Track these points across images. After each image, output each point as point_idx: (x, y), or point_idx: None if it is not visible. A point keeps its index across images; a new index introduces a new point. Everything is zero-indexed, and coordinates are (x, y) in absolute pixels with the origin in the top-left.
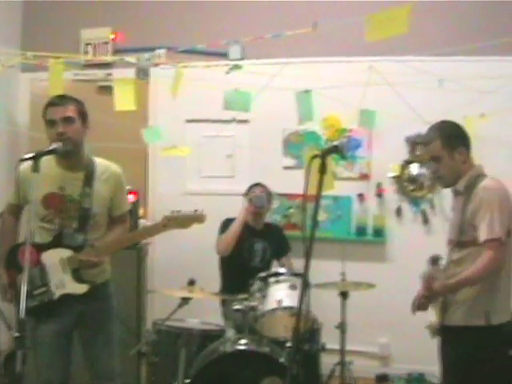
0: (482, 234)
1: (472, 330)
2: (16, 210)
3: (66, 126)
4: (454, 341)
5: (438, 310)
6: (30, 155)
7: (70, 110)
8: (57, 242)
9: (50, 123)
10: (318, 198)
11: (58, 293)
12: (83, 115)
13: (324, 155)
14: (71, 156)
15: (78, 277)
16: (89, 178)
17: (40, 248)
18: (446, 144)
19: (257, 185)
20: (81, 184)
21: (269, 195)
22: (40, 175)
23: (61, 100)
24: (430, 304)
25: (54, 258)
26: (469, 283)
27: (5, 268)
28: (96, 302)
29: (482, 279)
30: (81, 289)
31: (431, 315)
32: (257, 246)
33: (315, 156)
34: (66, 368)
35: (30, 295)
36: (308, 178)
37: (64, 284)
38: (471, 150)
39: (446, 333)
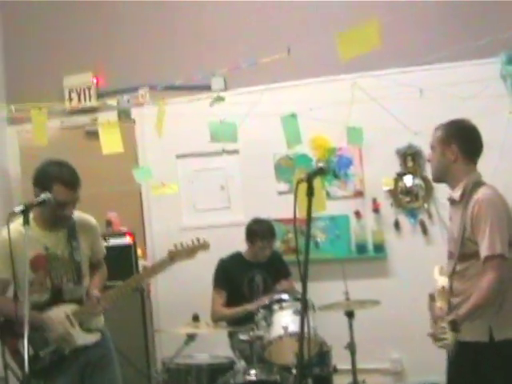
0: (483, 251)
1: (475, 346)
2: (5, 285)
3: (73, 208)
4: (457, 356)
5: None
6: (20, 208)
7: (79, 192)
8: (56, 299)
9: (61, 203)
10: (308, 221)
11: (67, 348)
12: None
13: (310, 178)
14: (63, 225)
15: (86, 328)
16: (72, 233)
17: (38, 309)
18: (444, 137)
19: (257, 222)
20: (64, 240)
21: (272, 230)
22: (23, 237)
23: (76, 181)
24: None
25: (57, 315)
26: (479, 309)
27: (1, 340)
28: (98, 349)
29: (490, 302)
30: (92, 338)
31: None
32: (257, 278)
33: (301, 180)
34: None
35: (36, 358)
36: (296, 203)
37: (74, 338)
38: (473, 157)
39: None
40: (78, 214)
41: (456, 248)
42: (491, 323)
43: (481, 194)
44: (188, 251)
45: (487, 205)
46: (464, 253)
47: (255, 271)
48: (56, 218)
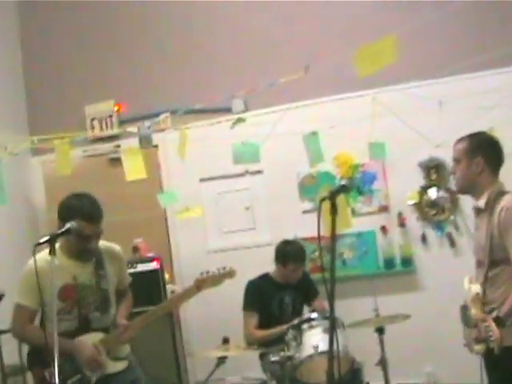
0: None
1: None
2: (32, 315)
3: (97, 241)
4: (497, 364)
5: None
6: (45, 238)
7: (102, 225)
8: (84, 328)
9: (83, 237)
10: (333, 239)
11: (94, 376)
12: None
13: (333, 196)
14: (90, 258)
15: (113, 356)
16: (99, 262)
17: (67, 337)
18: (469, 150)
19: (289, 244)
20: (91, 269)
21: (304, 252)
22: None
23: (99, 216)
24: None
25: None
26: None
27: (29, 368)
28: (126, 377)
29: None
30: (120, 366)
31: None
32: (287, 299)
33: (324, 198)
34: None
35: None
36: (321, 221)
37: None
38: (498, 168)
39: (488, 354)
40: (103, 243)
41: (485, 255)
42: None
43: (506, 201)
44: (214, 279)
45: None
46: (494, 259)
47: (284, 292)
48: (81, 250)
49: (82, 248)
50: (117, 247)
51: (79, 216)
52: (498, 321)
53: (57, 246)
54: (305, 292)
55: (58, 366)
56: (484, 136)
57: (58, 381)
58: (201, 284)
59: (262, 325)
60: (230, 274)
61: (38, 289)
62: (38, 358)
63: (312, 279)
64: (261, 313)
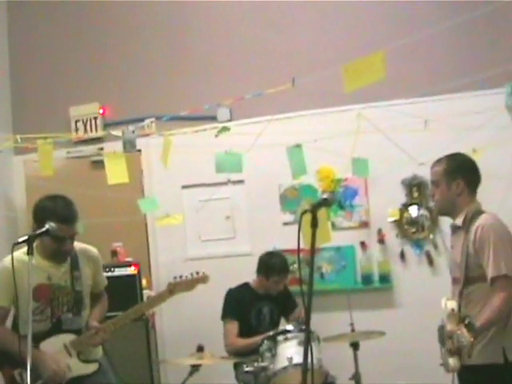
0: (489, 273)
1: (490, 369)
2: (5, 314)
3: (72, 242)
4: (473, 380)
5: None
6: (24, 238)
7: (78, 227)
8: (56, 329)
9: (58, 239)
10: (312, 252)
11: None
12: None
13: (314, 209)
14: (64, 259)
15: (83, 358)
16: (75, 263)
17: (37, 339)
18: (448, 172)
19: (273, 256)
20: (66, 270)
21: (287, 265)
22: (26, 267)
23: (74, 218)
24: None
25: (55, 344)
26: (492, 324)
27: None
28: (96, 379)
29: (501, 319)
30: (90, 368)
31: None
32: (265, 310)
33: (305, 211)
34: None
35: None
36: (301, 233)
37: (71, 368)
38: (476, 189)
39: (463, 373)
40: (79, 245)
41: (461, 273)
42: (504, 344)
43: (482, 219)
44: (187, 284)
45: (489, 228)
46: (469, 277)
47: (263, 303)
48: (55, 251)
49: (57, 249)
50: (94, 250)
51: (53, 218)
52: (469, 326)
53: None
54: (283, 304)
55: (24, 370)
56: (461, 157)
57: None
58: (174, 288)
59: (239, 333)
60: (203, 279)
61: (12, 288)
62: (7, 357)
63: (291, 291)
64: (239, 322)
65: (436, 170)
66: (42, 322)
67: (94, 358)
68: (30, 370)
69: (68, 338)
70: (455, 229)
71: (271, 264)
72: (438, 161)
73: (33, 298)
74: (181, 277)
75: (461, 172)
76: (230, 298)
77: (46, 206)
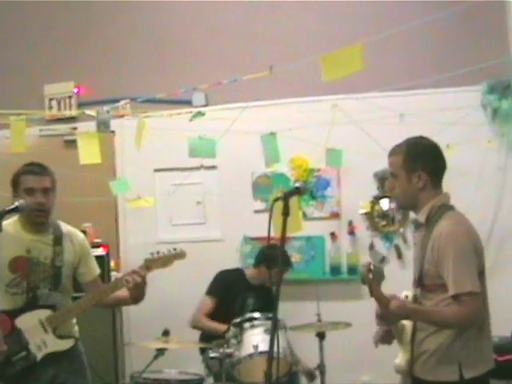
0: (450, 289)
1: None
2: None
3: (46, 196)
4: None
5: (405, 356)
6: None
7: (50, 181)
8: (32, 305)
9: (29, 191)
10: (282, 240)
11: (40, 354)
12: (55, 186)
13: (286, 197)
14: (44, 224)
15: (59, 334)
16: (58, 239)
17: (13, 314)
18: (407, 164)
19: (277, 249)
20: (48, 246)
21: (287, 259)
22: (6, 238)
23: (41, 170)
24: (385, 324)
25: (31, 320)
26: (440, 321)
27: None
28: (68, 363)
29: (448, 328)
30: (66, 344)
31: (399, 359)
32: (249, 300)
33: (277, 199)
34: None
35: (8, 363)
36: (272, 221)
37: (47, 344)
38: (441, 178)
39: None
40: (67, 227)
41: (417, 275)
42: (460, 360)
43: (443, 225)
44: (164, 260)
45: (447, 238)
46: (424, 283)
47: (250, 294)
48: (30, 210)
49: (31, 205)
50: (81, 235)
51: (25, 172)
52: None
53: (15, 218)
54: (267, 303)
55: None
56: (421, 143)
57: (3, 358)
58: (150, 264)
59: (219, 316)
60: (180, 255)
61: None
62: None
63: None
64: (222, 303)
65: (394, 161)
66: (17, 296)
67: (69, 334)
68: (13, 340)
69: (44, 313)
70: (417, 225)
71: (276, 256)
72: (396, 148)
73: (9, 269)
74: (158, 253)
75: (422, 161)
76: (219, 278)
77: (20, 168)
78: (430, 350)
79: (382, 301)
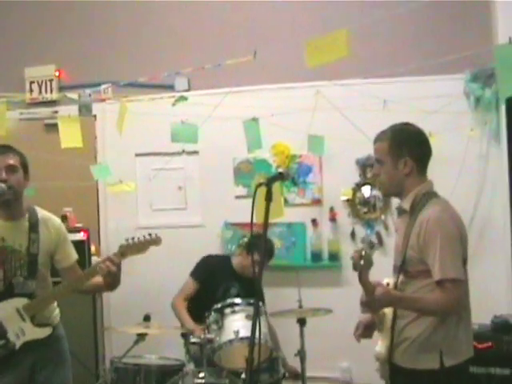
0: (435, 274)
1: (424, 374)
2: None
3: (9, 174)
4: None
5: (385, 343)
6: None
7: (13, 159)
8: (8, 293)
9: None
10: (265, 226)
11: (19, 342)
12: (25, 167)
13: (269, 183)
14: (10, 206)
15: (37, 322)
16: (34, 225)
17: None
18: (393, 150)
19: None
20: (23, 233)
21: (273, 250)
22: None
23: (4, 149)
24: (369, 311)
25: (8, 309)
26: (424, 308)
27: None
28: (49, 349)
29: (436, 314)
30: (43, 332)
31: (379, 347)
32: (232, 290)
33: (260, 184)
34: None
35: None
36: (255, 207)
37: (25, 332)
38: (426, 165)
39: (395, 372)
40: (43, 213)
41: (399, 262)
42: (442, 348)
43: (430, 211)
44: (139, 246)
45: (435, 224)
46: (407, 270)
47: (234, 283)
48: None
49: None
50: (57, 221)
51: None
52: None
53: None
54: (251, 293)
55: None
56: (408, 129)
57: None
58: (125, 250)
59: (200, 301)
60: (156, 241)
61: None
62: None
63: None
64: (204, 289)
65: (379, 147)
66: None
67: (47, 322)
68: None
69: (20, 302)
70: (401, 212)
71: (258, 243)
72: (382, 134)
73: None
74: (133, 239)
75: (408, 147)
76: (205, 262)
77: None
78: (411, 338)
79: (368, 288)
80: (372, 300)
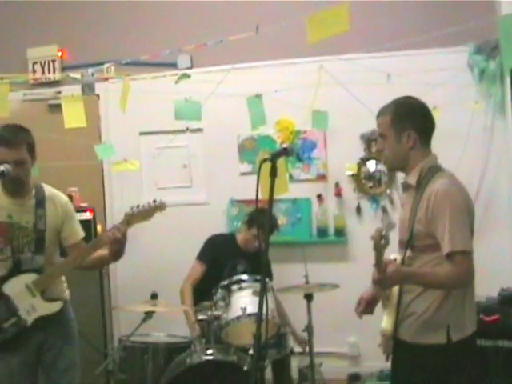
0: (444, 247)
1: (430, 349)
2: None
3: (19, 168)
4: (410, 359)
5: (391, 319)
6: None
7: (22, 152)
8: (17, 270)
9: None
10: (270, 202)
11: (30, 319)
12: (32, 148)
13: (274, 158)
14: (19, 188)
15: (47, 297)
16: (40, 202)
17: (1, 281)
18: (395, 123)
19: (262, 212)
20: (30, 210)
21: (273, 224)
22: None
23: (13, 139)
24: (381, 288)
25: (17, 285)
26: (436, 283)
27: None
28: (57, 328)
29: (448, 288)
30: (54, 307)
31: (384, 323)
32: (239, 267)
33: (265, 160)
34: None
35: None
36: (260, 183)
37: (36, 308)
38: (430, 137)
39: (399, 347)
40: (50, 190)
41: (405, 236)
42: (449, 323)
43: (438, 184)
44: (144, 213)
45: (444, 196)
46: (414, 245)
47: (240, 260)
48: (9, 187)
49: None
50: (64, 198)
51: None
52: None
53: None
54: (257, 269)
55: None
56: (410, 102)
57: None
58: (131, 218)
59: (208, 281)
60: (161, 206)
61: None
62: None
63: (269, 262)
64: (212, 269)
65: (382, 121)
66: (3, 262)
67: (57, 296)
68: (3, 307)
69: (30, 277)
70: (407, 187)
71: (256, 218)
72: (384, 108)
73: None
74: (137, 206)
75: (410, 120)
76: (210, 243)
77: None
78: (417, 313)
79: (381, 266)
80: (384, 278)
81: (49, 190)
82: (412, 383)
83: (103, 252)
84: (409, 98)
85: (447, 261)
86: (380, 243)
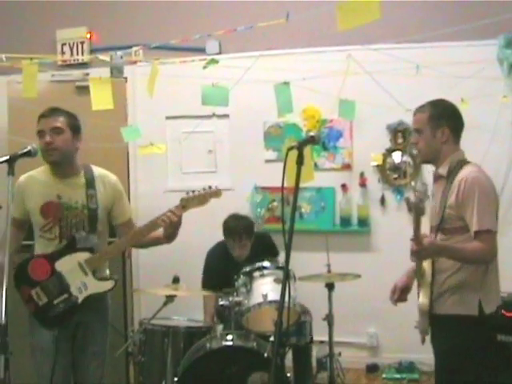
0: (473, 226)
1: (464, 320)
2: (18, 223)
3: (54, 136)
4: (445, 331)
5: (426, 296)
6: (4, 158)
7: (59, 122)
8: (70, 248)
9: (40, 134)
10: (296, 189)
11: (81, 296)
12: (75, 127)
13: (301, 146)
14: (63, 165)
15: (99, 276)
16: (90, 182)
17: (52, 258)
18: (432, 120)
19: (234, 219)
20: (80, 189)
21: (248, 230)
22: (37, 184)
23: (51, 112)
24: (418, 259)
25: (70, 263)
26: (464, 257)
27: (16, 287)
28: (97, 311)
29: (474, 262)
30: (106, 286)
31: (421, 298)
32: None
33: (292, 147)
34: (68, 371)
35: (50, 305)
36: (286, 171)
37: (87, 286)
38: (460, 135)
39: (436, 322)
40: (99, 170)
41: (437, 221)
42: (481, 297)
43: (467, 171)
44: (200, 198)
45: (473, 182)
46: (444, 228)
47: (243, 265)
48: (43, 150)
49: (42, 146)
50: (113, 177)
51: (39, 116)
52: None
53: (46, 165)
54: (264, 255)
55: (44, 286)
56: (445, 103)
57: (44, 300)
58: (186, 203)
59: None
60: (217, 192)
61: (22, 202)
62: (26, 276)
63: (273, 242)
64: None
65: (420, 118)
66: (51, 241)
67: (108, 276)
68: (54, 283)
69: (82, 256)
70: (438, 177)
71: (228, 227)
72: (421, 107)
73: (41, 214)
74: (193, 192)
75: (445, 119)
76: (208, 269)
77: None
78: (452, 288)
79: (418, 237)
80: (421, 249)
81: (98, 170)
82: (450, 353)
83: (158, 233)
84: (443, 100)
85: (475, 239)
86: (419, 206)
